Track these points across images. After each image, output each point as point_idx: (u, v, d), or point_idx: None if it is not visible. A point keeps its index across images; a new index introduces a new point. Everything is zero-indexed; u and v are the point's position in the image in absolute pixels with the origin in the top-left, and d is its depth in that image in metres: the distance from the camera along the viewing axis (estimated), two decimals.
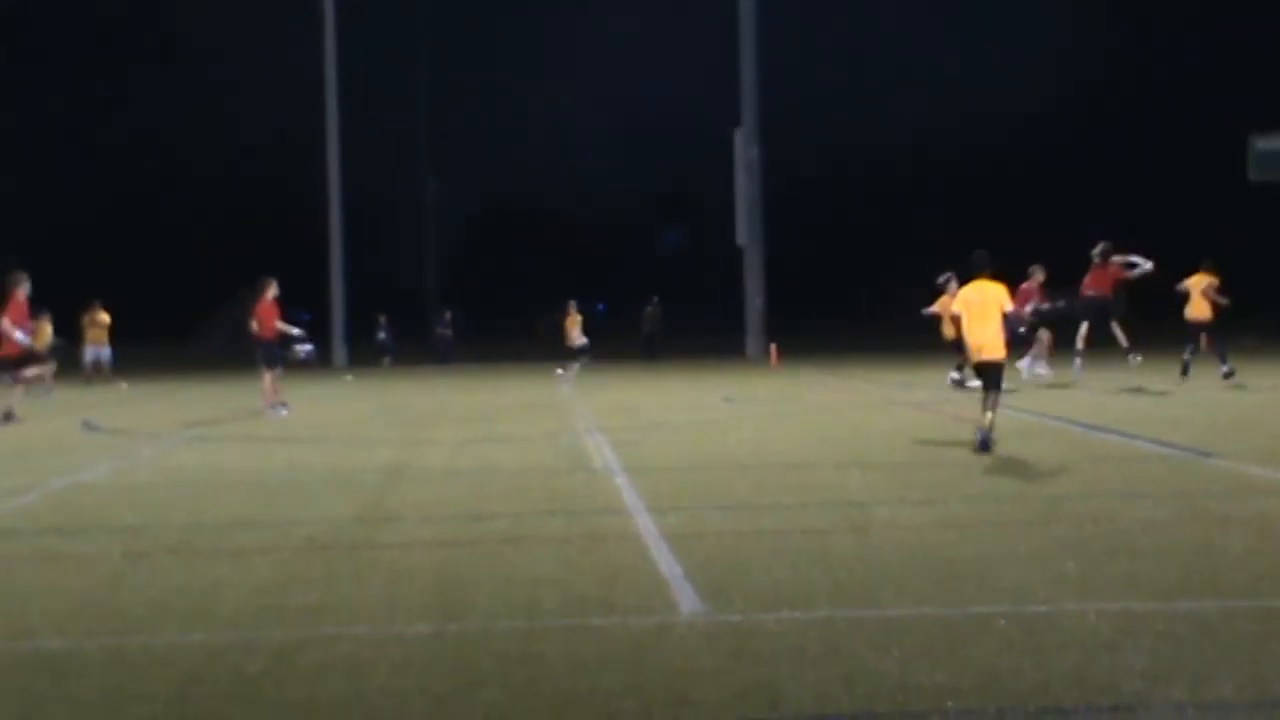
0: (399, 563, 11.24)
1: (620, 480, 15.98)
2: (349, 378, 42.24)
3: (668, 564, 10.81)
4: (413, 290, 79.85)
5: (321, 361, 46.62)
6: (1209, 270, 29.56)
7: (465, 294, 77.78)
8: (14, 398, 26.78)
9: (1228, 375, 28.93)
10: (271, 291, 27.77)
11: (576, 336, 39.74)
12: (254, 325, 27.80)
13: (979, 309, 18.22)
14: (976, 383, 27.75)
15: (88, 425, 25.75)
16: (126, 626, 9.28)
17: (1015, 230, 79.23)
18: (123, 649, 8.68)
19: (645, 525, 12.71)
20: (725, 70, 52.29)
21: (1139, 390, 26.61)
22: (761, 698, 7.28)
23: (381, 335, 55.12)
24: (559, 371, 38.72)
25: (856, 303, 78.26)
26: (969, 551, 11.04)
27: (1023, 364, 30.67)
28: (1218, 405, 24.24)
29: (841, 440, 20.10)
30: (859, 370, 37.86)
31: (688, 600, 9.61)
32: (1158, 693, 7.17)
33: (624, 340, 58.06)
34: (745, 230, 51.32)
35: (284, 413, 26.79)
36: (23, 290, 26.83)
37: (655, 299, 53.55)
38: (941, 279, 29.20)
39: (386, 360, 53.14)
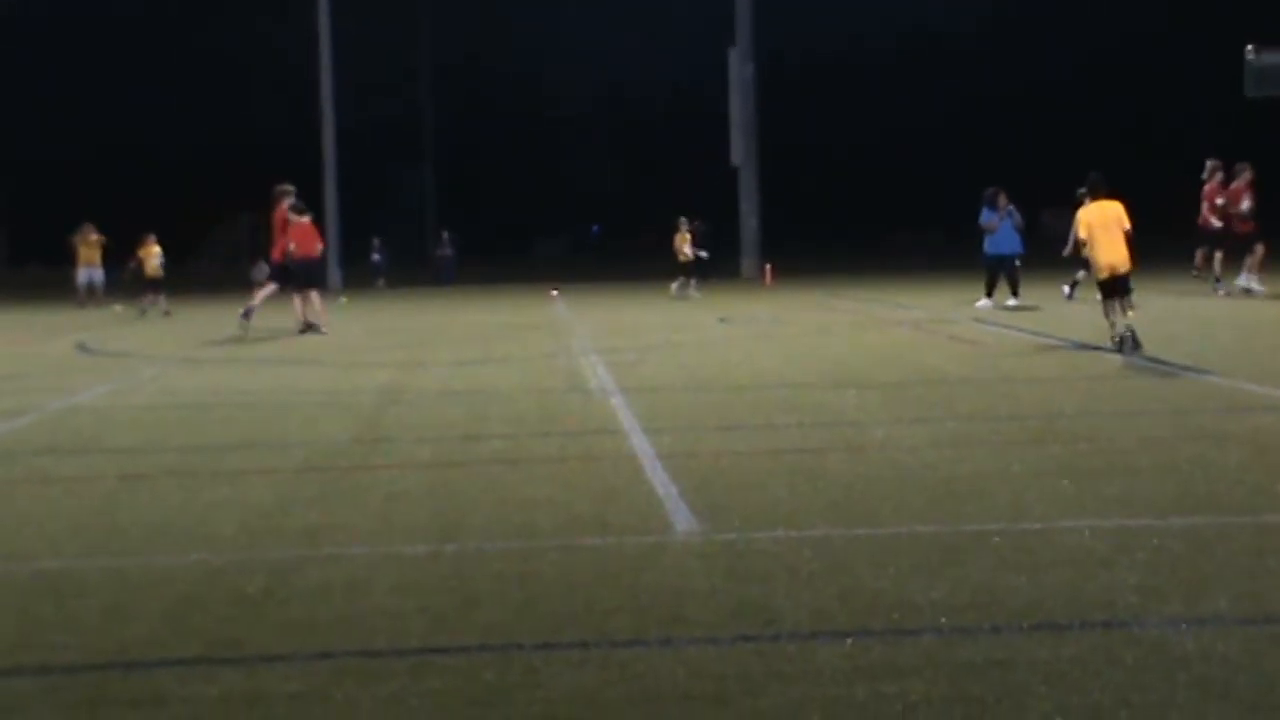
0: (395, 484, 11.26)
1: (615, 401, 15.99)
2: (343, 300, 42.20)
3: (663, 484, 10.84)
4: (411, 210, 79.63)
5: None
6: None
7: (463, 214, 77.58)
8: None
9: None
10: (304, 216, 27.37)
11: (689, 252, 38.46)
12: (289, 245, 27.29)
13: (1102, 229, 19.00)
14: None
15: (83, 348, 25.74)
16: (125, 547, 9.30)
17: (1020, 149, 79.10)
18: (121, 570, 8.71)
19: (640, 445, 12.73)
20: None
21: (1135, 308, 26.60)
22: (757, 616, 7.31)
23: (376, 257, 55.06)
24: (673, 288, 37.70)
25: (853, 223, 78.14)
26: (964, 470, 11.07)
27: (1241, 280, 30.46)
28: (1215, 322, 24.25)
29: (837, 360, 20.11)
30: (855, 291, 37.84)
31: (683, 520, 9.63)
32: (1152, 608, 7.19)
33: (620, 261, 58.00)
34: (740, 150, 51.15)
35: (323, 332, 26.67)
36: None
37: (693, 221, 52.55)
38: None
39: (381, 282, 53.10)
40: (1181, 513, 9.33)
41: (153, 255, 36.70)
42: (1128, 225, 19.26)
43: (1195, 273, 31.70)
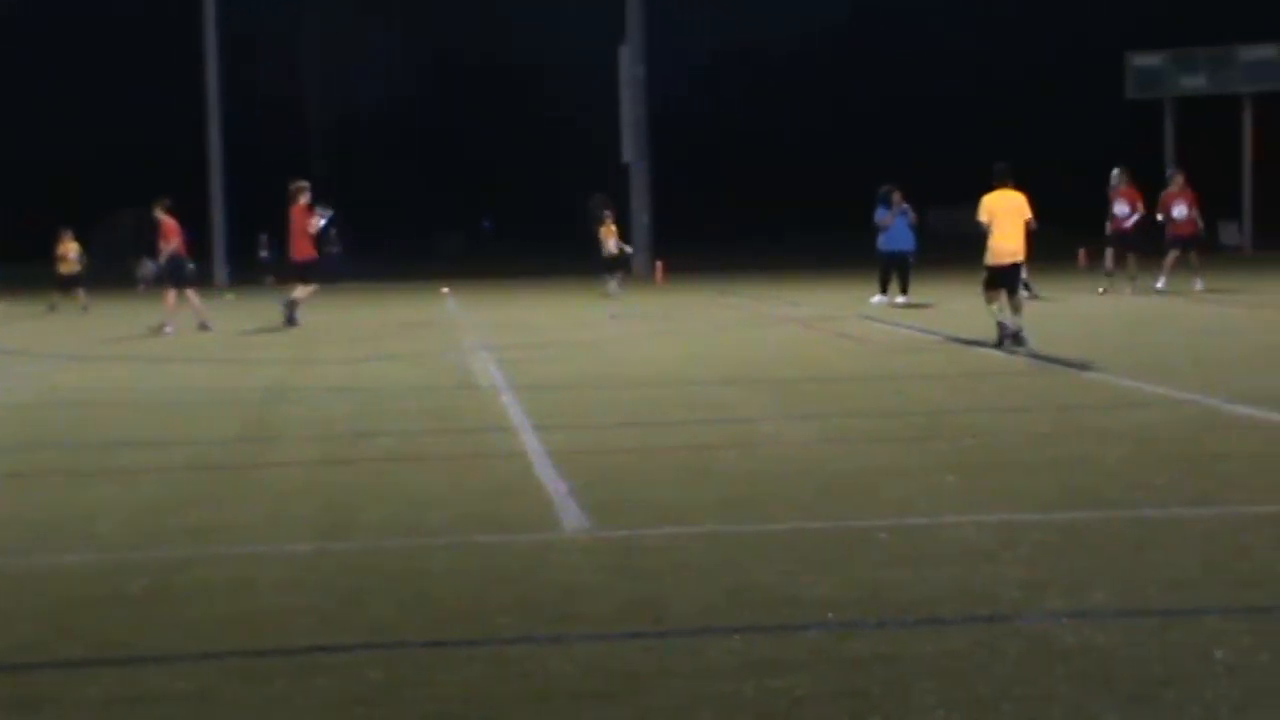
0: (284, 481, 11.19)
1: (506, 398, 15.98)
2: (230, 297, 41.79)
3: (553, 481, 10.84)
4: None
5: (203, 281, 46.08)
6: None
7: (350, 210, 76.96)
8: None
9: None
10: (159, 211, 27.55)
11: (613, 246, 37.45)
12: (164, 242, 27.58)
13: (1003, 216, 19.52)
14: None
15: None
16: (6, 547, 9.17)
17: (906, 150, 79.74)
18: (2, 570, 8.59)
19: (531, 442, 12.73)
20: None
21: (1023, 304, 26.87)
22: (646, 612, 7.34)
23: (264, 254, 54.55)
24: (610, 285, 36.84)
25: (745, 220, 78.43)
26: (852, 466, 11.16)
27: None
28: (1096, 319, 24.60)
29: (728, 357, 20.21)
30: (746, 288, 37.98)
31: (573, 517, 9.65)
32: (1034, 602, 7.30)
33: (512, 256, 57.86)
34: (631, 148, 51.16)
35: (169, 331, 26.52)
36: None
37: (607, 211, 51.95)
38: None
39: (269, 279, 52.62)
40: (1064, 507, 9.47)
41: (70, 251, 36.17)
42: (1029, 215, 19.67)
43: (1107, 274, 32.12)
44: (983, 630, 6.91)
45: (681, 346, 22.13)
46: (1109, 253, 31.89)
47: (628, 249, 37.87)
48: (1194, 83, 55.21)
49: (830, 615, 7.17)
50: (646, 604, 7.47)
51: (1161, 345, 20.19)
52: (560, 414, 14.55)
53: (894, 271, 29.20)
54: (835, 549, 8.51)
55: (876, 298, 29.08)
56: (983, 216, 19.68)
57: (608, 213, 37.60)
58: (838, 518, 9.37)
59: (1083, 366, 17.31)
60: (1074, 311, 26.58)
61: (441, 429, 13.89)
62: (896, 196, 29.56)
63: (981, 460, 11.23)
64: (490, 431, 13.60)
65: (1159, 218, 31.68)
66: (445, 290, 40.96)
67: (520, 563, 8.44)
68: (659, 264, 45.39)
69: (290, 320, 27.63)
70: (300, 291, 28.15)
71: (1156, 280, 30.68)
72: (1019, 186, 19.84)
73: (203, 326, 26.89)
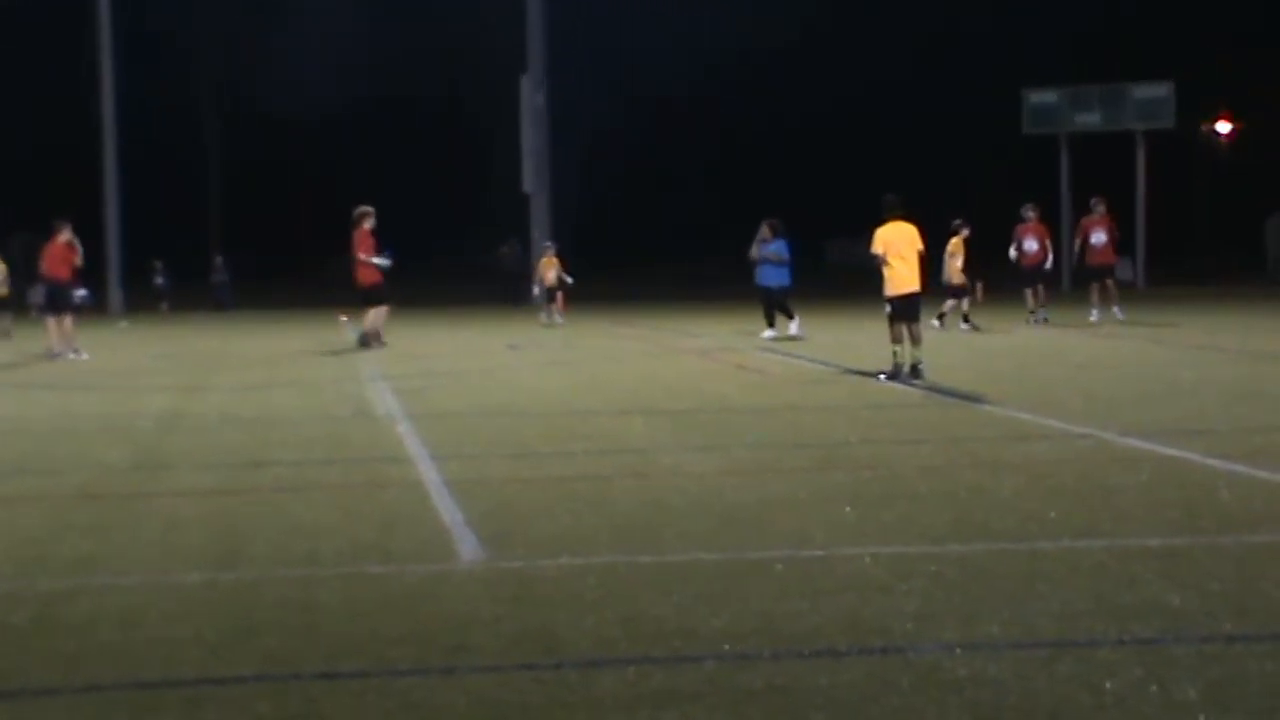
0: (174, 511, 11.04)
1: (402, 427, 15.87)
2: (124, 324, 41.31)
3: (449, 511, 10.77)
4: (193, 234, 78.17)
5: (96, 307, 45.53)
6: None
7: (248, 239, 76.35)
8: None
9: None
10: (64, 235, 27.14)
11: (553, 277, 37.45)
12: (44, 267, 27.40)
13: (897, 248, 19.59)
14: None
15: None
16: None
17: (805, 182, 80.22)
18: None
19: (427, 472, 12.64)
20: (512, 14, 51.92)
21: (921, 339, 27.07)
22: (539, 643, 7.28)
23: (159, 280, 54.00)
24: (543, 316, 36.64)
25: (643, 251, 78.54)
26: (749, 497, 11.16)
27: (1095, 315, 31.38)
28: (990, 352, 24.82)
29: (626, 387, 20.19)
30: (645, 318, 38.01)
31: (468, 547, 9.58)
32: (928, 634, 7.31)
33: (414, 285, 57.53)
34: (531, 177, 51.14)
35: (84, 356, 26.13)
36: None
37: (513, 239, 51.86)
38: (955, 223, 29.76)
39: (164, 306, 52.09)
40: (958, 540, 9.51)
41: None
42: (920, 247, 19.78)
43: (1030, 309, 32.45)
44: (876, 662, 6.91)
45: (580, 377, 22.09)
46: (1027, 290, 32.30)
47: (568, 280, 37.80)
48: (1088, 119, 56.02)
49: (725, 647, 7.14)
50: (540, 635, 7.42)
51: (1056, 379, 20.39)
52: (457, 444, 14.47)
53: (776, 305, 29.04)
54: (731, 580, 8.49)
55: (766, 332, 29.04)
56: (877, 249, 19.76)
57: (548, 245, 37.97)
58: (734, 549, 9.36)
59: (978, 399, 17.44)
60: (971, 344, 26.80)
61: (336, 458, 13.76)
62: (765, 230, 29.39)
63: (878, 492, 11.26)
64: (386, 461, 13.49)
65: (1078, 243, 32.26)
66: (343, 319, 40.62)
67: (414, 593, 8.36)
68: (559, 294, 45.34)
69: (365, 343, 27.63)
70: (372, 319, 28.09)
71: (1094, 315, 31.16)
72: (909, 218, 19.97)
73: (53, 355, 26.40)
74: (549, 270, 37.47)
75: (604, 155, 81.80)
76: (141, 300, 51.59)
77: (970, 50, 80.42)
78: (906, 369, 19.50)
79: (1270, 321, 31.88)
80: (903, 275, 19.62)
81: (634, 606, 7.93)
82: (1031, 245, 32.01)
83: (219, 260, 57.23)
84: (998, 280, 35.14)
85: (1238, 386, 18.67)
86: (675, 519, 10.34)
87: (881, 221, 19.86)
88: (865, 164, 75.77)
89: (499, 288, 50.29)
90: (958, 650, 7.01)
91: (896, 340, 19.66)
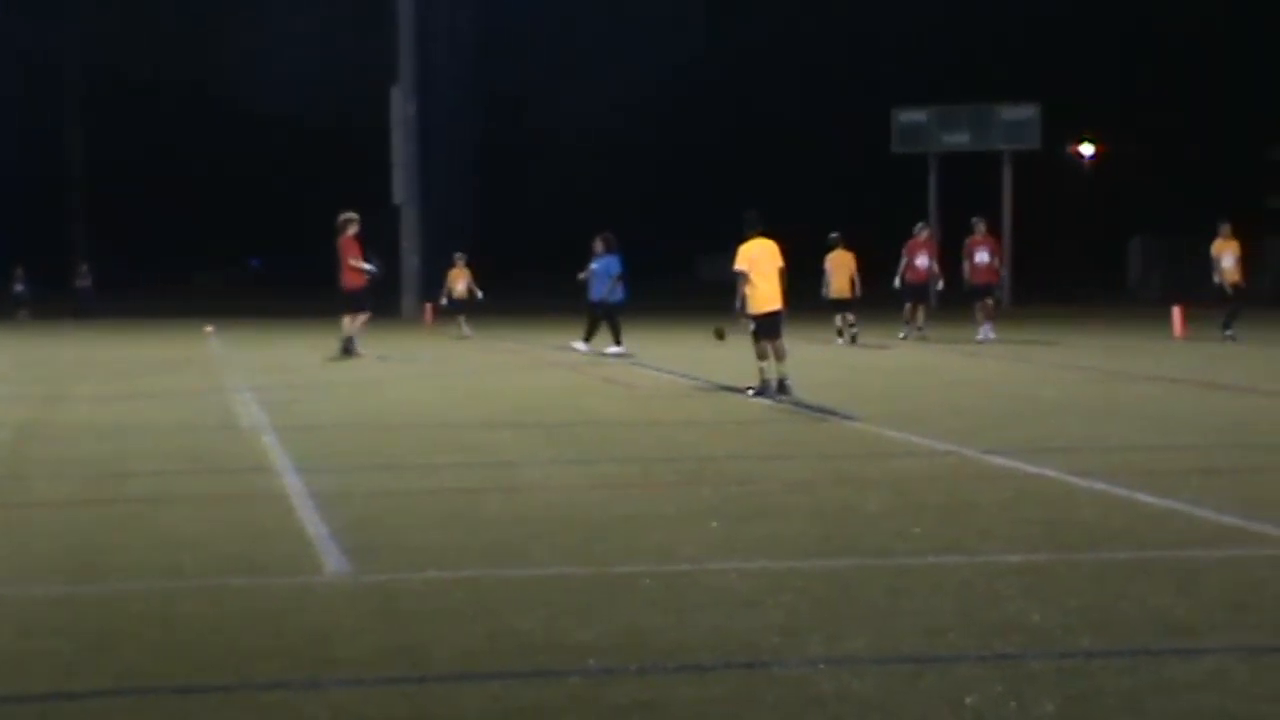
0: (31, 522, 10.84)
1: (269, 439, 15.70)
2: None
3: (314, 524, 10.66)
4: (56, 240, 76.92)
5: None
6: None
7: (112, 246, 75.28)
8: None
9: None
10: None
11: (462, 288, 36.88)
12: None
13: (760, 266, 19.61)
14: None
15: None
16: None
17: (675, 197, 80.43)
18: None
19: (293, 484, 12.51)
20: (383, 25, 51.62)
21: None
22: (405, 658, 7.23)
23: (19, 287, 53.08)
24: (463, 328, 36.06)
25: (520, 263, 78.40)
26: (617, 512, 11.16)
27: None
28: (860, 369, 25.04)
29: (495, 400, 20.13)
30: (515, 331, 37.93)
31: (334, 560, 9.49)
32: (794, 649, 7.34)
33: (283, 295, 57.09)
34: (402, 188, 50.85)
35: None
36: None
37: (371, 249, 51.13)
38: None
39: (24, 313, 51.20)
40: (824, 555, 9.56)
41: None
42: (781, 263, 19.82)
43: (906, 324, 32.81)
44: (742, 677, 6.93)
45: (449, 389, 21.99)
46: (907, 305, 32.67)
47: (479, 293, 37.38)
48: (956, 139, 56.76)
49: (591, 661, 7.13)
50: (406, 649, 7.36)
51: (923, 396, 20.60)
52: (323, 456, 14.34)
53: (606, 320, 28.77)
54: (597, 595, 8.48)
55: (579, 344, 28.67)
56: (740, 265, 19.75)
57: (459, 255, 37.60)
58: (601, 563, 9.34)
59: (847, 416, 17.57)
60: (839, 360, 27.02)
61: (199, 469, 13.58)
62: (598, 244, 29.25)
63: (745, 507, 11.30)
64: (250, 472, 13.34)
65: (964, 264, 32.72)
66: (209, 329, 40.17)
67: (278, 606, 8.26)
68: (429, 306, 45.12)
69: (348, 352, 27.56)
70: (350, 324, 28.03)
71: (982, 333, 31.59)
72: (771, 234, 20.03)
73: None
74: (459, 281, 37.24)
75: (486, 166, 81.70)
76: (0, 307, 50.72)
77: (841, 69, 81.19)
78: (774, 385, 19.60)
79: (1131, 341, 32.45)
80: (765, 293, 19.64)
81: (500, 620, 7.89)
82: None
83: (84, 267, 56.36)
84: (873, 297, 35.37)
85: (1098, 405, 18.97)
86: (542, 532, 10.31)
87: (744, 238, 19.89)
88: (737, 181, 76.20)
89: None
90: (823, 665, 7.05)
91: (762, 356, 19.73)
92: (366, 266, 28.22)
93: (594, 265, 29.34)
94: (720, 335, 25.07)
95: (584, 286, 29.75)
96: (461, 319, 36.82)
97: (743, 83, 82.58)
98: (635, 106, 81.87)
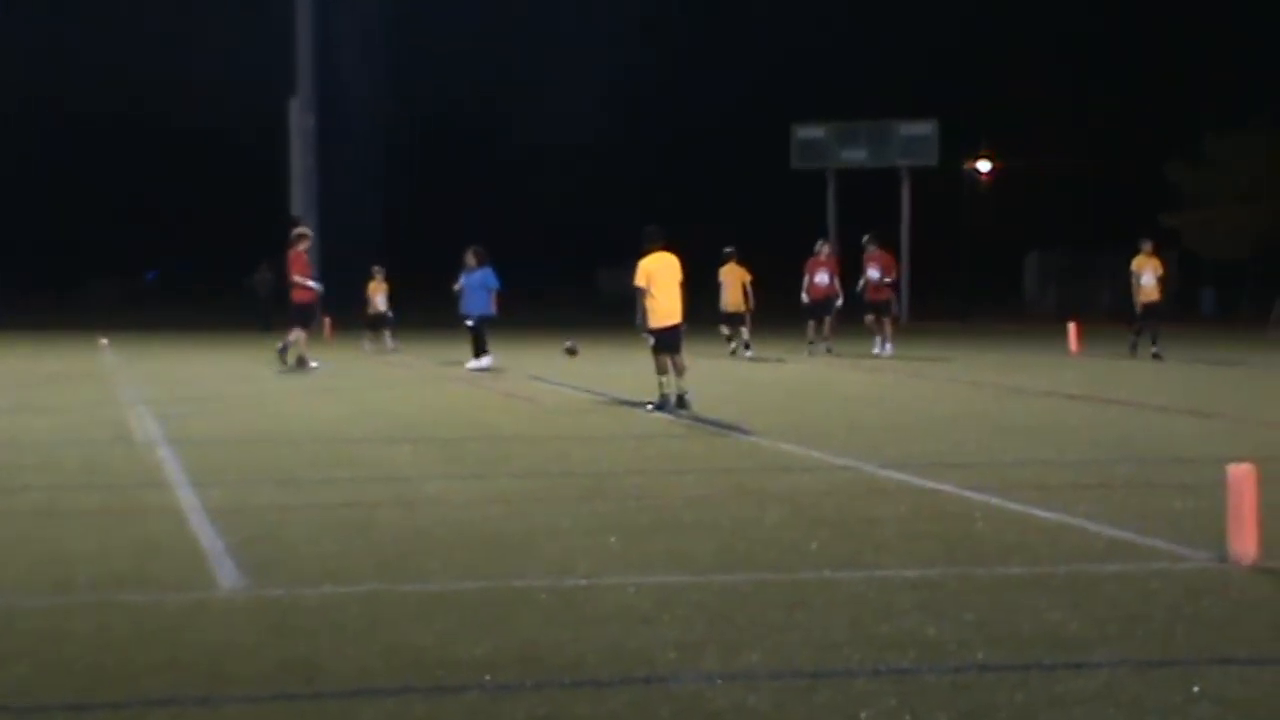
0: None
1: (163, 453, 15.54)
2: None
3: (209, 538, 10.56)
4: None
5: None
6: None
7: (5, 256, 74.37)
8: None
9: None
10: None
11: (380, 303, 36.24)
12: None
13: (659, 279, 19.65)
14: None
15: None
16: None
17: (578, 211, 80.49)
18: None
19: (187, 499, 12.39)
20: (282, 37, 51.29)
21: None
22: (300, 673, 7.17)
23: None
24: (365, 346, 35.45)
25: (422, 278, 78.17)
26: (515, 526, 11.13)
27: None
28: (759, 384, 25.14)
29: (393, 415, 20.04)
30: (413, 345, 37.77)
31: (228, 575, 9.40)
32: (690, 663, 7.35)
33: (178, 308, 56.56)
34: (300, 201, 50.52)
35: None
36: None
37: (264, 262, 50.60)
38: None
39: None
40: (722, 569, 9.59)
41: None
42: (680, 277, 19.86)
43: (810, 342, 33.02)
44: (638, 691, 6.93)
45: (347, 403, 21.86)
46: (810, 322, 32.92)
47: (389, 314, 36.69)
48: (855, 155, 57.19)
49: (487, 677, 7.10)
50: (300, 665, 7.30)
51: (820, 411, 20.72)
52: (219, 470, 14.21)
53: (477, 334, 28.37)
54: (494, 609, 8.46)
55: (471, 363, 28.27)
56: (641, 281, 19.76)
57: (377, 269, 36.96)
58: (498, 578, 9.32)
59: (745, 431, 17.64)
60: (738, 375, 27.12)
61: (91, 484, 13.41)
62: (470, 258, 28.84)
63: (643, 522, 11.31)
64: (144, 487, 13.19)
65: (860, 281, 33.05)
66: (104, 342, 39.72)
67: (170, 622, 8.17)
68: (328, 320, 44.86)
69: (300, 364, 27.68)
70: (294, 336, 28.23)
71: (878, 348, 31.84)
72: (670, 249, 20.02)
73: None
74: (377, 294, 36.75)
75: (398, 177, 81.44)
76: None
77: (741, 84, 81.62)
78: (673, 399, 19.63)
79: (1025, 356, 32.81)
80: (665, 307, 19.68)
81: (396, 636, 7.85)
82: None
83: None
84: (770, 312, 35.61)
85: (993, 420, 19.16)
86: (439, 547, 10.27)
87: (643, 253, 19.90)
88: (637, 195, 76.39)
89: (252, 312, 49.12)
90: (719, 680, 7.06)
91: (662, 371, 19.77)
92: (311, 284, 28.05)
93: (465, 279, 28.86)
94: (572, 353, 25.35)
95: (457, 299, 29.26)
96: (387, 333, 36.48)
97: (645, 99, 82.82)
98: (542, 120, 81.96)
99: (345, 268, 51.53)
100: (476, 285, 28.52)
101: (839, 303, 33.21)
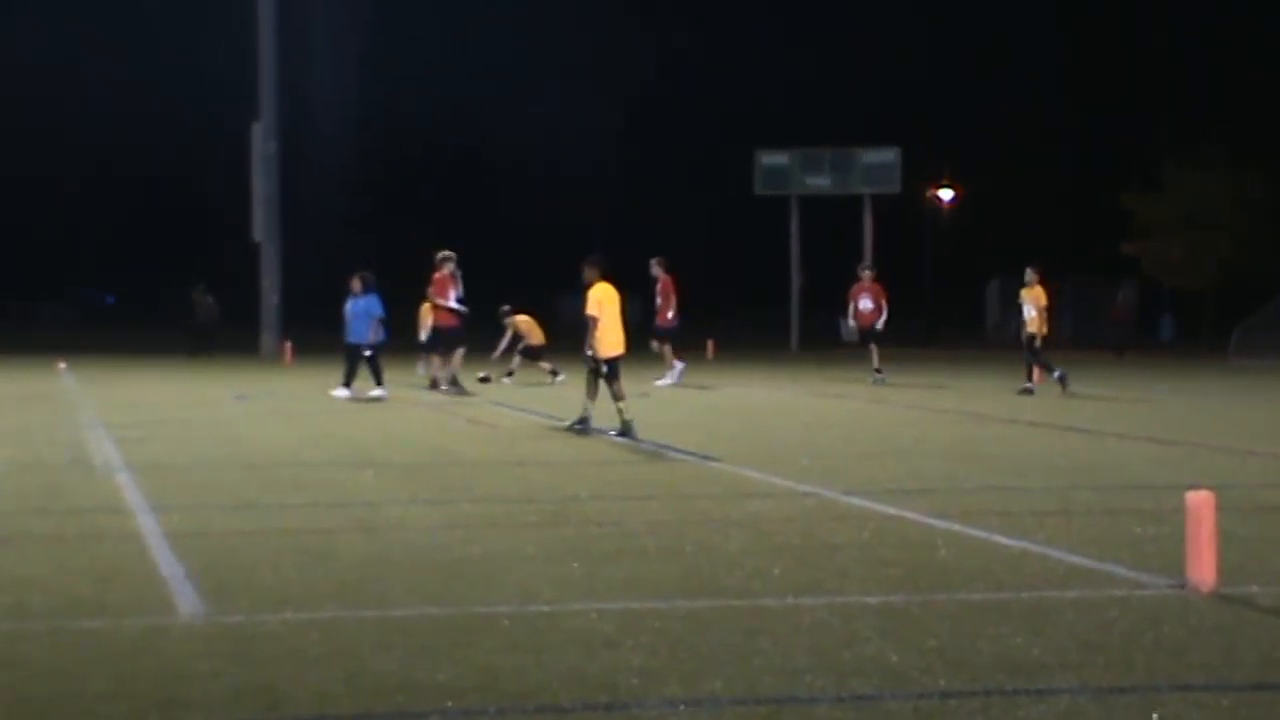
0: None
1: (122, 478, 15.45)
2: None
3: (168, 564, 10.49)
4: None
5: None
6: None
7: None
8: None
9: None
10: None
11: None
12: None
13: (607, 309, 19.76)
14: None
15: None
16: None
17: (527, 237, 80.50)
18: None
19: (146, 524, 12.31)
20: (245, 62, 51.17)
21: (644, 395, 27.26)
22: (260, 699, 7.12)
23: None
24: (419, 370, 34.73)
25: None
26: (476, 552, 11.10)
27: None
28: (720, 410, 25.13)
29: (354, 440, 19.96)
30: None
31: (187, 601, 9.34)
32: (653, 690, 7.33)
33: (140, 331, 56.27)
34: (261, 226, 50.33)
35: None
36: None
37: (202, 285, 50.14)
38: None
39: None
40: (684, 595, 9.57)
41: None
42: (619, 308, 19.99)
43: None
44: (601, 717, 6.91)
45: (308, 428, 21.77)
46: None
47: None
48: (818, 182, 57.38)
49: (449, 703, 7.07)
50: (260, 691, 7.26)
51: (783, 437, 20.71)
52: (178, 495, 14.13)
53: (361, 363, 27.67)
54: (456, 635, 8.42)
55: (375, 390, 27.61)
56: (592, 310, 19.75)
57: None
58: (460, 604, 9.28)
59: (708, 456, 17.63)
60: (699, 401, 27.11)
61: (48, 508, 13.32)
62: (355, 283, 28.25)
63: (605, 548, 11.28)
64: (102, 512, 13.11)
65: (850, 309, 33.16)
66: (61, 365, 39.47)
67: (128, 649, 8.11)
68: (287, 345, 44.71)
69: (459, 389, 27.93)
70: (446, 364, 28.57)
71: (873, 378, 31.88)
72: (608, 278, 19.95)
73: None
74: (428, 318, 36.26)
75: (359, 199, 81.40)
76: None
77: (706, 111, 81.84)
78: (621, 427, 19.54)
79: (987, 383, 32.89)
80: (615, 337, 19.81)
81: (357, 662, 7.81)
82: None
83: None
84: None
85: (955, 447, 19.19)
86: (401, 573, 10.22)
87: (589, 282, 19.91)
88: (590, 220, 76.47)
89: (190, 336, 48.56)
90: (682, 706, 7.04)
91: (617, 398, 19.73)
92: (454, 305, 28.06)
93: (350, 305, 28.14)
94: (484, 380, 25.51)
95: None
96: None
97: (609, 122, 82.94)
98: (510, 148, 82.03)
99: (307, 291, 51.44)
100: (360, 312, 27.80)
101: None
